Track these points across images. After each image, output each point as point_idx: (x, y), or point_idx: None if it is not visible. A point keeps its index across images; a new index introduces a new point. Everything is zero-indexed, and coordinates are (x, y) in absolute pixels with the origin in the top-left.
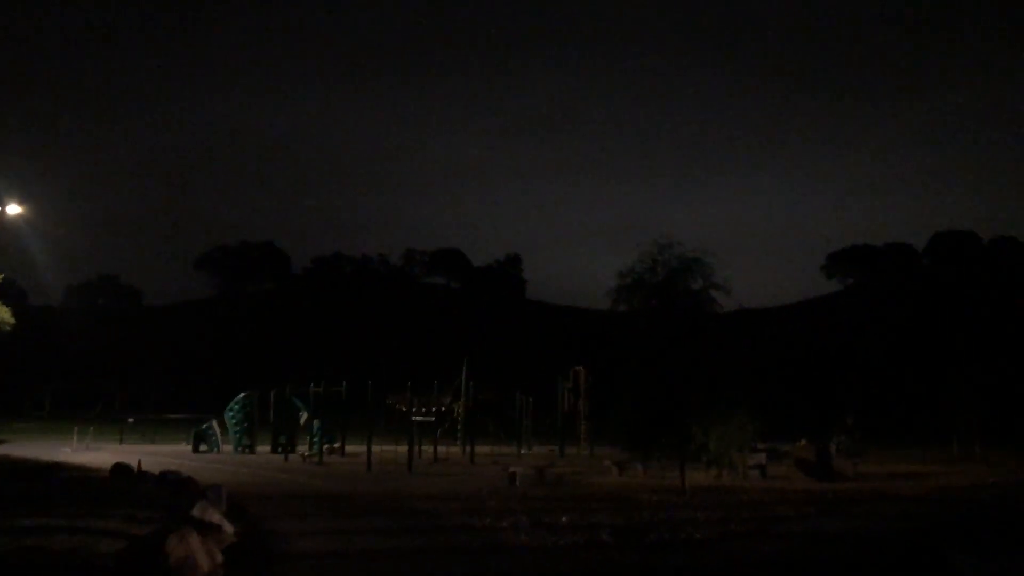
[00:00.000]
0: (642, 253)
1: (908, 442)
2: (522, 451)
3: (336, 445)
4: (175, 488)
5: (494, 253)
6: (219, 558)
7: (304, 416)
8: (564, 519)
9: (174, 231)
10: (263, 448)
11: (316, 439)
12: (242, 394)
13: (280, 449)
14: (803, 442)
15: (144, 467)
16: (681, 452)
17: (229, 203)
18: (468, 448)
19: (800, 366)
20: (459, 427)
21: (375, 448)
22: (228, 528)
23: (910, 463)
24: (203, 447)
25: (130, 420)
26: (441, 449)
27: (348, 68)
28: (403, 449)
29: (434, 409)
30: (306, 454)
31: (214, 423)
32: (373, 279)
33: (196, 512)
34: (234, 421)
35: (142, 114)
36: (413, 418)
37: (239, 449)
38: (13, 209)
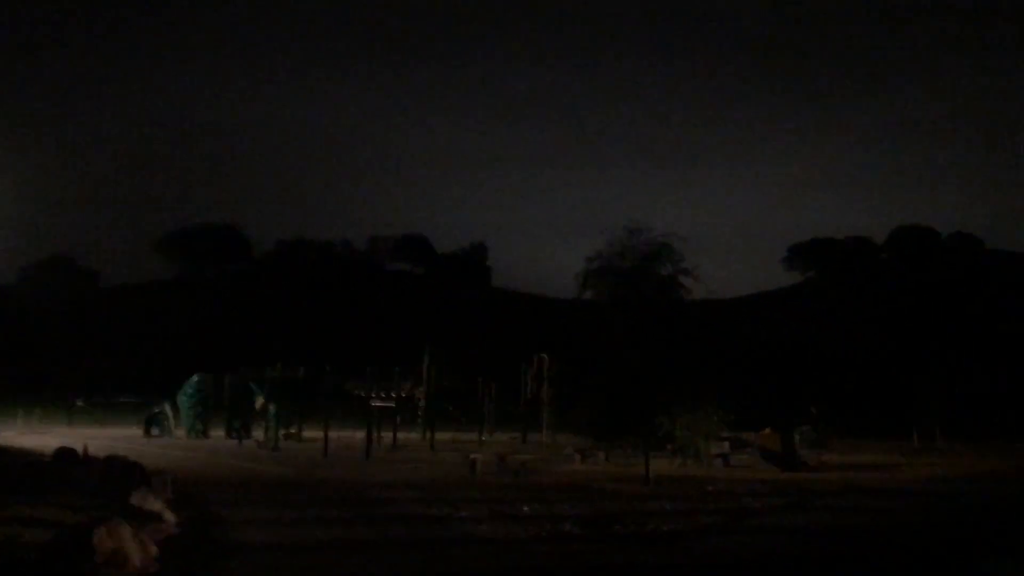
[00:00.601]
0: (611, 238)
1: (867, 434)
2: (484, 437)
3: (292, 431)
4: (120, 474)
5: (459, 241)
6: (153, 551)
7: (260, 401)
8: (526, 509)
9: (134, 212)
10: (217, 433)
11: (272, 424)
12: (195, 377)
13: (234, 434)
14: (767, 431)
15: (91, 451)
16: (646, 441)
17: (191, 185)
18: (429, 434)
19: (763, 356)
20: (420, 413)
21: (333, 434)
22: (169, 517)
23: (871, 454)
24: (155, 431)
25: (79, 403)
26: (401, 435)
27: (316, 52)
28: (362, 435)
29: (394, 395)
30: (261, 440)
31: (167, 407)
32: (336, 264)
33: (135, 500)
34: (187, 405)
35: (102, 93)
36: (372, 404)
37: (192, 434)
38: None
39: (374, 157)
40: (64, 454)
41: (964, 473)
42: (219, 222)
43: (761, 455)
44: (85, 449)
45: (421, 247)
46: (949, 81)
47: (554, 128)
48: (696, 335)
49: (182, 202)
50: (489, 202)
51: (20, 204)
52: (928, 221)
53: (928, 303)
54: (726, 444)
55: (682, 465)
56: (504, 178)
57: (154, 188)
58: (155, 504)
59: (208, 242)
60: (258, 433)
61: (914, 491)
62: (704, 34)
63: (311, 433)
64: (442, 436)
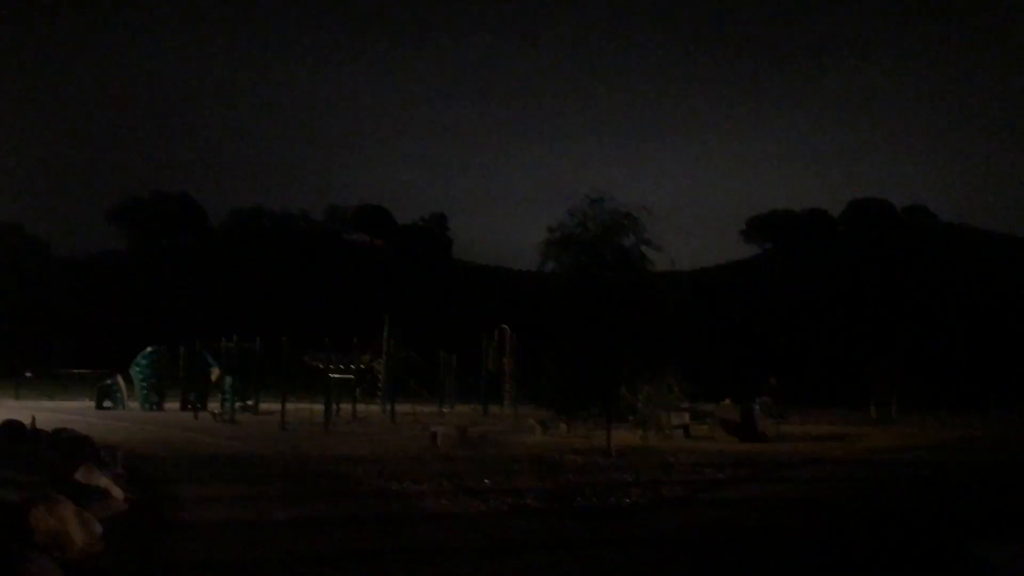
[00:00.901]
0: (572, 208)
1: (824, 404)
2: (445, 409)
3: (249, 403)
4: (68, 448)
5: (420, 212)
6: (98, 530)
7: (215, 373)
8: (487, 482)
9: (85, 180)
10: (172, 405)
11: (228, 397)
12: (149, 348)
13: (189, 407)
14: (727, 402)
15: (39, 425)
16: (608, 413)
17: (144, 153)
18: (389, 407)
19: (723, 327)
20: (380, 385)
21: (291, 407)
22: (117, 494)
23: (829, 425)
24: (107, 404)
25: (28, 374)
26: (361, 407)
27: (273, 20)
28: (320, 408)
29: (353, 367)
30: (217, 412)
31: (119, 378)
32: (293, 234)
33: (80, 476)
34: (141, 377)
35: (53, 58)
36: (330, 375)
37: (146, 406)
38: None
39: (332, 126)
40: (10, 427)
41: (925, 443)
42: (173, 191)
43: (721, 426)
44: (32, 422)
45: (380, 218)
46: (905, 55)
47: (513, 99)
48: (658, 306)
49: (135, 170)
50: (449, 173)
51: None
52: (883, 194)
53: (883, 274)
54: (686, 415)
55: (643, 437)
56: (464, 149)
57: (106, 156)
58: (103, 480)
59: (162, 211)
60: (214, 406)
61: (876, 461)
62: (662, 6)
63: (267, 406)
64: (402, 408)
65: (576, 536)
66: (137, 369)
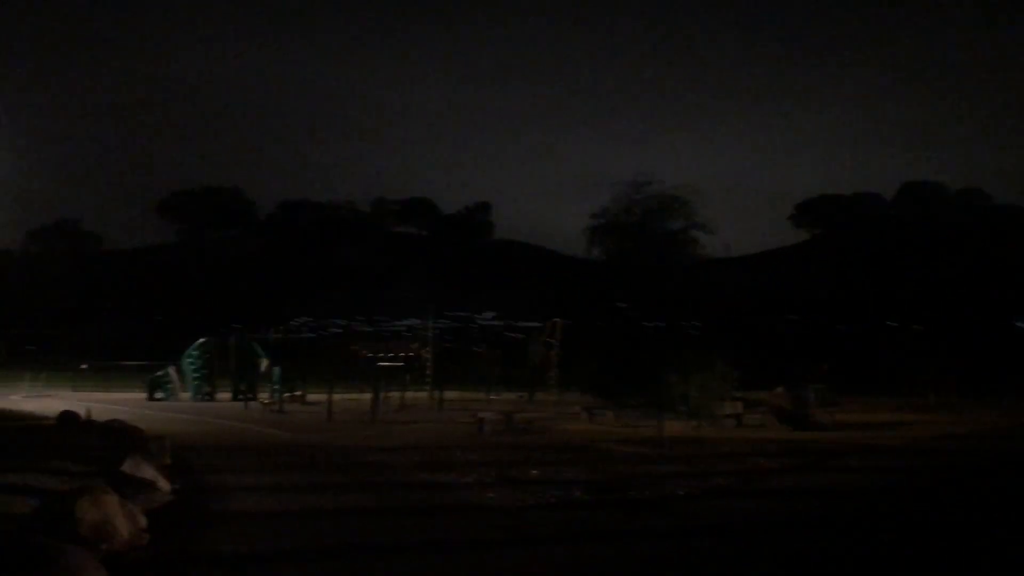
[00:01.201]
0: (616, 193)
1: (874, 391)
2: (491, 396)
3: (298, 393)
4: (117, 439)
5: (464, 202)
6: (142, 522)
7: (264, 363)
8: (534, 472)
9: (137, 175)
10: (224, 396)
11: (276, 387)
12: (200, 340)
13: (240, 397)
14: (779, 390)
15: (94, 416)
16: (659, 401)
17: (194, 148)
18: (436, 394)
19: (774, 314)
20: (428, 373)
21: (339, 396)
22: (164, 485)
23: (882, 412)
24: (159, 395)
25: (83, 367)
26: (409, 395)
27: (319, 11)
28: (369, 397)
29: (401, 355)
30: (266, 402)
31: (170, 370)
32: (340, 226)
33: (126, 467)
34: (192, 368)
35: (106, 57)
36: (378, 364)
37: (198, 397)
38: None
39: (378, 119)
40: (66, 418)
41: (979, 430)
42: (222, 184)
43: (774, 415)
44: (87, 413)
45: (426, 209)
46: (960, 37)
47: (559, 88)
48: (708, 292)
49: (184, 164)
50: (493, 162)
51: (23, 170)
52: (937, 176)
53: (936, 258)
54: (738, 404)
55: (697, 427)
56: (510, 139)
57: (156, 150)
58: (147, 471)
59: (211, 204)
60: (264, 395)
61: (931, 449)
62: None
63: (315, 396)
64: (450, 395)
65: (623, 528)
66: (188, 360)
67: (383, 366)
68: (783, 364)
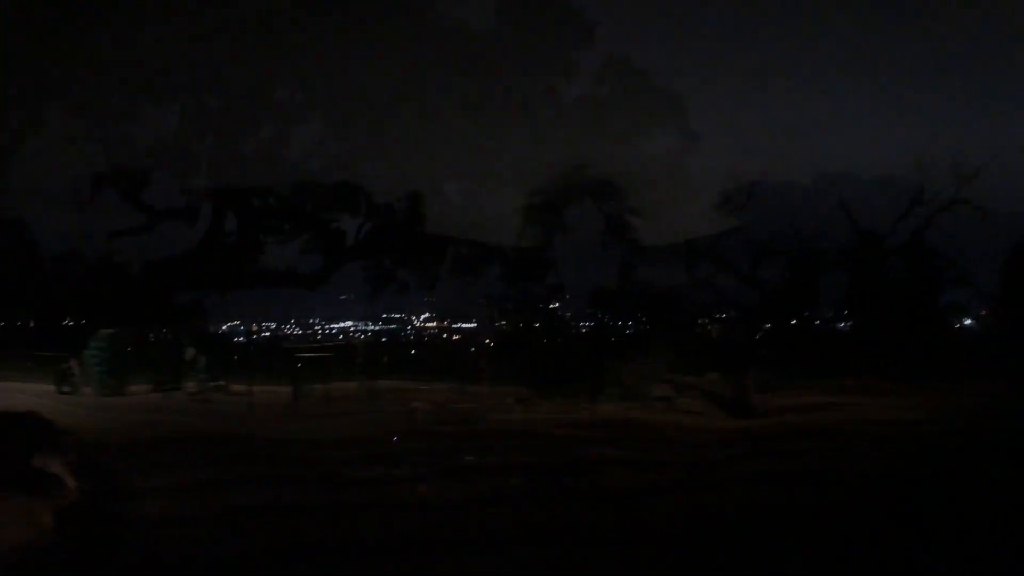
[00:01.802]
0: (551, 177)
1: (803, 374)
2: (422, 387)
3: (222, 383)
4: (25, 434)
5: (394, 192)
6: (48, 523)
7: (190, 352)
8: (469, 459)
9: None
10: (138, 388)
11: (202, 377)
12: (106, 331)
13: (162, 388)
14: (714, 375)
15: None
16: (592, 386)
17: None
18: (366, 384)
19: (706, 298)
20: (358, 362)
21: (261, 388)
22: (71, 483)
23: (816, 395)
24: (65, 388)
25: None
26: (339, 385)
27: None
28: (295, 388)
29: (328, 344)
30: (190, 392)
31: (72, 361)
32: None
33: (36, 464)
34: (96, 359)
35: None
36: (302, 354)
37: (102, 390)
38: None
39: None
40: None
41: (927, 413)
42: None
43: (709, 399)
44: None
45: (354, 196)
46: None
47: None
48: (643, 278)
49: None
50: (423, 151)
51: None
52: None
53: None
54: (669, 386)
55: (627, 408)
56: (438, 126)
57: None
58: (57, 468)
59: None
60: (190, 385)
61: (876, 433)
62: None
63: (238, 387)
64: (382, 384)
65: (572, 524)
66: (91, 351)
67: (305, 356)
68: (716, 351)
